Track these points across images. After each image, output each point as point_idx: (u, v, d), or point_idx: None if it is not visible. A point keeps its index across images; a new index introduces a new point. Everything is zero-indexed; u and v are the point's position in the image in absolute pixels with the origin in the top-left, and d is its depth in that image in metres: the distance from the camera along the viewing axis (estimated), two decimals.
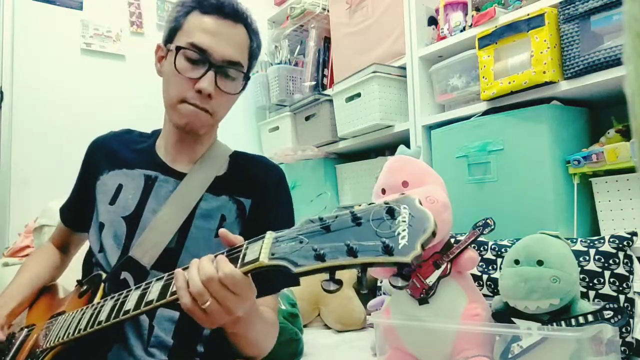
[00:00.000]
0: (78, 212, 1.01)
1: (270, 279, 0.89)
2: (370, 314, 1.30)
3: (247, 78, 0.92)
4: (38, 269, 1.01)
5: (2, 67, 1.92)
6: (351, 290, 1.61)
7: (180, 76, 0.85)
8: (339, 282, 0.49)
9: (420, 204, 0.49)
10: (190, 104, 0.86)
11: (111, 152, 0.97)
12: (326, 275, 0.50)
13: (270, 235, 0.57)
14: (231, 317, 0.63)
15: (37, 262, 1.03)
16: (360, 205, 0.52)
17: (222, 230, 0.66)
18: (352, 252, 0.46)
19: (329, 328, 1.59)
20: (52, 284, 1.02)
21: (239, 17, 0.88)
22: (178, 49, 0.85)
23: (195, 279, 0.61)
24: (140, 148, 0.97)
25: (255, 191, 0.93)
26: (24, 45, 1.98)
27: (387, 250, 0.45)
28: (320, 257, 0.48)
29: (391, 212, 0.48)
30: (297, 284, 0.95)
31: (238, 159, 0.99)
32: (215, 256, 0.64)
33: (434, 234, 0.45)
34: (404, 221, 0.46)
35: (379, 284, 1.50)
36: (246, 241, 0.60)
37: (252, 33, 0.91)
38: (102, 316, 0.73)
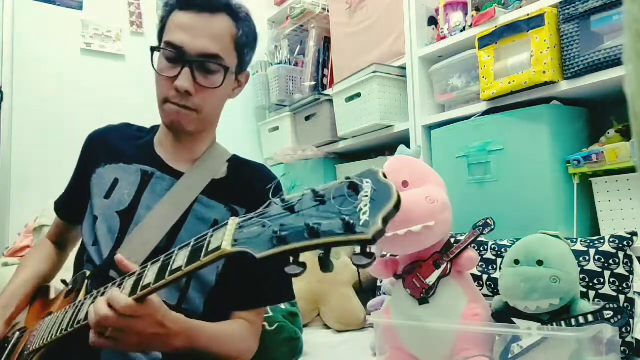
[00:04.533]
0: (73, 205, 1.00)
1: (260, 291, 0.90)
2: (370, 314, 1.30)
3: (240, 69, 0.91)
4: (38, 266, 1.01)
5: (2, 67, 1.92)
6: (351, 290, 1.61)
7: (162, 76, 0.86)
8: (303, 265, 0.46)
9: (385, 176, 0.45)
10: (172, 103, 0.86)
11: (109, 145, 0.97)
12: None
13: (233, 221, 0.55)
14: (141, 340, 0.67)
15: (36, 259, 1.03)
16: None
17: (117, 257, 0.72)
18: (313, 232, 0.44)
19: (328, 328, 1.59)
20: (44, 286, 1.02)
21: (218, 6, 0.86)
22: (153, 49, 0.87)
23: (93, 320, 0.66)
24: (138, 143, 0.97)
25: (250, 201, 0.90)
26: (24, 45, 1.98)
27: (348, 228, 0.42)
28: (282, 241, 0.46)
29: (354, 188, 0.45)
30: (291, 298, 0.95)
31: (237, 164, 0.98)
32: (112, 285, 0.69)
33: (396, 206, 0.42)
34: (366, 196, 0.44)
35: (378, 283, 1.50)
36: (211, 229, 0.59)
37: (237, 21, 0.88)
38: (82, 315, 0.73)
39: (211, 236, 0.58)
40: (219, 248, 0.53)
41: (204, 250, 0.57)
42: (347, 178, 0.46)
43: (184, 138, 0.93)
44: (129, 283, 0.67)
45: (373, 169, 0.47)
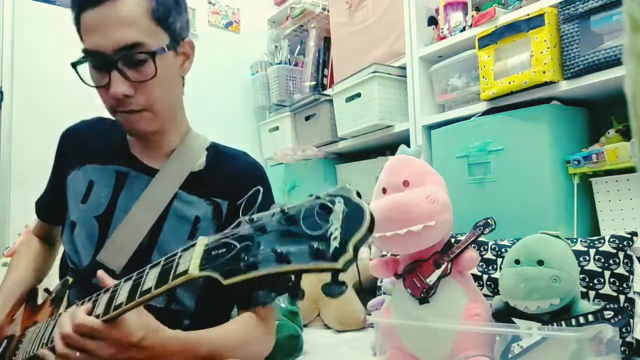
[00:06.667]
0: (53, 206, 0.96)
1: (261, 288, 0.87)
2: (370, 314, 1.30)
3: (176, 42, 0.81)
4: (30, 264, 0.99)
5: (2, 67, 1.92)
6: (351, 290, 1.61)
7: (97, 88, 0.79)
8: (277, 291, 0.45)
9: (359, 195, 0.43)
10: (120, 112, 0.79)
11: (83, 144, 0.92)
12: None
13: (202, 241, 0.52)
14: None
15: (28, 256, 1.00)
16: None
17: (99, 273, 0.67)
18: (283, 259, 0.42)
19: (328, 328, 1.59)
20: (33, 290, 0.99)
21: None
22: (74, 65, 0.79)
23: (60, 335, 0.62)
24: (112, 140, 0.92)
25: (232, 192, 0.85)
26: (24, 45, 1.98)
27: (318, 255, 0.40)
28: (250, 267, 0.44)
29: (325, 208, 0.42)
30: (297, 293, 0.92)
31: (216, 154, 0.91)
32: (89, 300, 0.65)
33: (370, 230, 0.40)
34: (338, 218, 0.41)
35: (379, 283, 1.50)
36: (180, 248, 0.56)
37: None
38: None
39: (180, 257, 0.55)
40: (186, 272, 0.51)
41: (172, 272, 0.54)
42: (317, 197, 0.44)
43: (152, 136, 0.87)
44: (103, 300, 0.64)
45: (346, 187, 0.44)
